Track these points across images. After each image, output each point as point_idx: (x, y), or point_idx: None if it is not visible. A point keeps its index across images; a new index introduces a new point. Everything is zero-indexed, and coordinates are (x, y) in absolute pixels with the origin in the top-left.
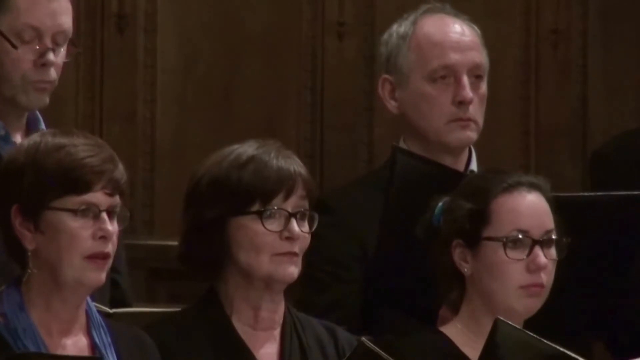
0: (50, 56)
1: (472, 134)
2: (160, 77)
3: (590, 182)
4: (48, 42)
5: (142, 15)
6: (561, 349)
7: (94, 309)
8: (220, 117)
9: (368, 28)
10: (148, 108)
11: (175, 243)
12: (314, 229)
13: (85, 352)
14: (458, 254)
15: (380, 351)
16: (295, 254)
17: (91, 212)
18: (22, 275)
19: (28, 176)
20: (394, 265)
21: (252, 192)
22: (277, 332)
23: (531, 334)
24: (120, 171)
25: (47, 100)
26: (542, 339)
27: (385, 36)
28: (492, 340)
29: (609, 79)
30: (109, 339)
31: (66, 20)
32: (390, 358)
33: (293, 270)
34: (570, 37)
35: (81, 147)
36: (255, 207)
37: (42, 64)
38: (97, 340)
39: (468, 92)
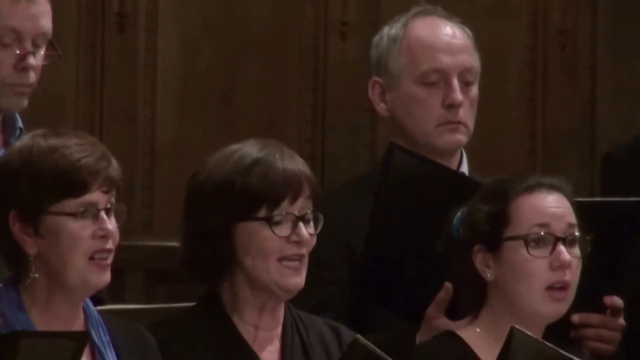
0: (31, 60)
1: (461, 137)
2: (161, 76)
3: (601, 185)
4: (28, 46)
5: (142, 14)
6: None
7: (92, 308)
8: (221, 117)
9: (372, 28)
10: (148, 108)
11: (175, 244)
12: (319, 229)
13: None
14: (480, 259)
15: (375, 347)
16: (302, 257)
17: (90, 212)
18: (20, 276)
19: (24, 181)
20: (384, 264)
21: (260, 198)
22: (278, 331)
23: (547, 343)
24: (114, 167)
25: (25, 102)
26: (558, 349)
27: (376, 38)
28: (507, 349)
29: (618, 81)
30: (108, 337)
31: (46, 23)
32: (384, 355)
33: (299, 280)
34: (578, 38)
35: (74, 147)
36: (263, 212)
37: (22, 67)
38: (95, 339)
39: (458, 95)
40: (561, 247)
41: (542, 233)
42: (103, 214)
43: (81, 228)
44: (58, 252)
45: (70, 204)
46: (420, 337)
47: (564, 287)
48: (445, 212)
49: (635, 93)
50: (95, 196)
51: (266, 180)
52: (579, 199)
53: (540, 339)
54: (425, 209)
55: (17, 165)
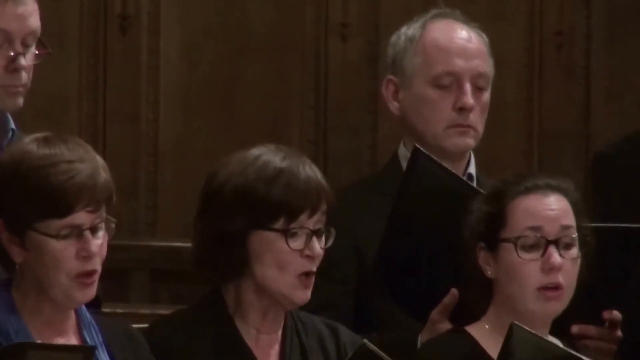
0: (22, 61)
1: (470, 141)
2: (164, 78)
3: (592, 183)
4: (18, 47)
5: (145, 16)
6: (576, 354)
7: (84, 308)
8: (224, 118)
9: (372, 29)
10: (151, 109)
11: (179, 244)
12: (330, 244)
13: None
14: (482, 257)
15: (382, 353)
16: (312, 274)
17: (74, 233)
18: (12, 279)
19: (10, 195)
20: (397, 267)
21: (280, 209)
22: (278, 334)
23: (546, 338)
24: (102, 185)
25: (20, 102)
26: (558, 344)
27: (394, 38)
28: (507, 346)
29: (613, 81)
30: (100, 338)
31: (34, 22)
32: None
33: (306, 295)
34: (574, 39)
35: (62, 165)
36: (280, 223)
37: (14, 69)
38: (88, 340)
39: (469, 99)
40: (552, 250)
41: (534, 236)
42: (88, 234)
43: (64, 249)
44: (41, 268)
45: (54, 225)
46: (423, 340)
47: (557, 287)
48: (460, 224)
49: (630, 93)
50: (80, 217)
51: (289, 192)
52: (590, 225)
53: (539, 335)
54: (441, 218)
55: (7, 175)
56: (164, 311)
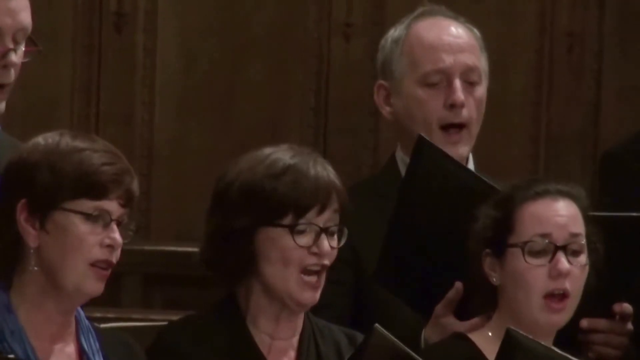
0: (12, 57)
1: (463, 150)
2: (159, 78)
3: (600, 182)
4: (9, 42)
5: (141, 14)
6: (573, 359)
7: (83, 314)
8: (221, 120)
9: (377, 29)
10: (146, 110)
11: (172, 248)
12: (342, 243)
13: (73, 358)
14: (488, 263)
15: (394, 338)
16: (323, 267)
17: (103, 219)
18: (11, 275)
19: (43, 173)
20: (402, 261)
21: (286, 205)
22: (295, 340)
23: (543, 343)
24: (136, 184)
25: (3, 107)
26: (554, 348)
27: (382, 41)
28: (504, 350)
29: (624, 83)
30: (97, 345)
31: (26, 18)
32: (403, 346)
33: (314, 296)
34: (585, 40)
35: (101, 153)
36: (288, 219)
37: (4, 65)
38: (85, 346)
39: (459, 95)
40: (560, 256)
41: (542, 242)
42: (114, 225)
43: (90, 232)
44: (60, 251)
45: (86, 205)
46: (426, 334)
47: (564, 294)
48: (467, 215)
49: None
50: (112, 205)
51: (296, 188)
52: (594, 214)
53: (536, 340)
54: (446, 209)
55: (39, 157)
56: (156, 316)
